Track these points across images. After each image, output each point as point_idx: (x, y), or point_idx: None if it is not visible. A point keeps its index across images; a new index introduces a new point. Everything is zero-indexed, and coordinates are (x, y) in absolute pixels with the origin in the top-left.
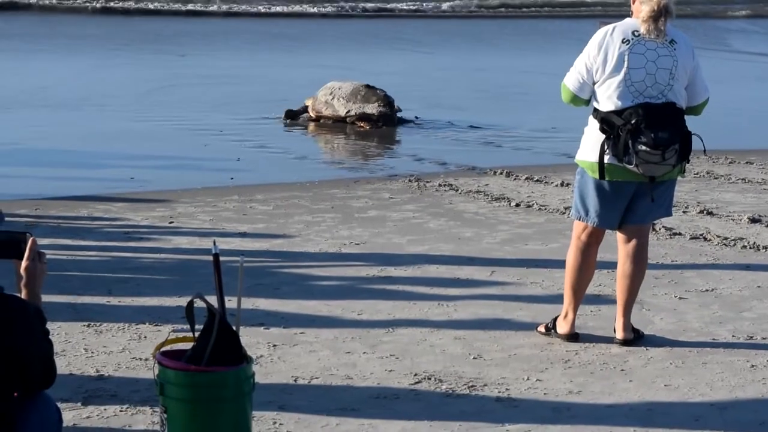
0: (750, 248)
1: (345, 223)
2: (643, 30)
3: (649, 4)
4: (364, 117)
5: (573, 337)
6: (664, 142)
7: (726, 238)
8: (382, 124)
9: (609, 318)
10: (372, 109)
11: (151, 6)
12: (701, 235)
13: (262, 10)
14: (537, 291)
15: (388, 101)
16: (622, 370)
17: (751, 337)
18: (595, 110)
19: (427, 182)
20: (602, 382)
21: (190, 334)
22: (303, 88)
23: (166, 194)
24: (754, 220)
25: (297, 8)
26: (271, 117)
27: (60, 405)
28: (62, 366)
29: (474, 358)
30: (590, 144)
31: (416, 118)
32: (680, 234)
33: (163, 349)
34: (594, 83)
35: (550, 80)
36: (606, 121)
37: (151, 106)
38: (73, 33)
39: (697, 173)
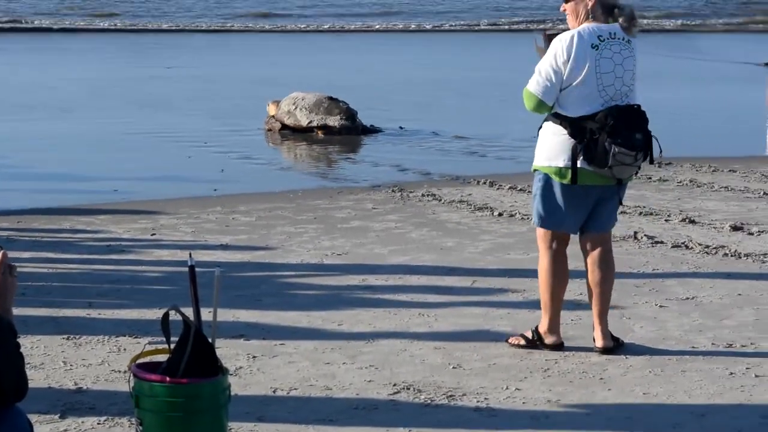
0: (731, 256)
1: (327, 233)
2: (610, 30)
3: (617, 2)
4: (325, 128)
5: (561, 346)
6: (639, 143)
7: (708, 247)
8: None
9: (589, 326)
10: (334, 121)
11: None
12: (683, 243)
13: (303, 27)
14: (518, 300)
15: (350, 113)
16: (601, 378)
17: (731, 344)
18: (560, 116)
19: (411, 192)
20: (581, 390)
21: (166, 346)
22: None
23: (149, 206)
24: (736, 228)
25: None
26: (255, 128)
27: (37, 418)
28: (41, 379)
29: (453, 367)
30: (554, 149)
31: (401, 128)
32: (662, 242)
33: (140, 361)
34: (561, 89)
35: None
36: (577, 125)
37: (134, 117)
38: (58, 46)
39: (680, 181)
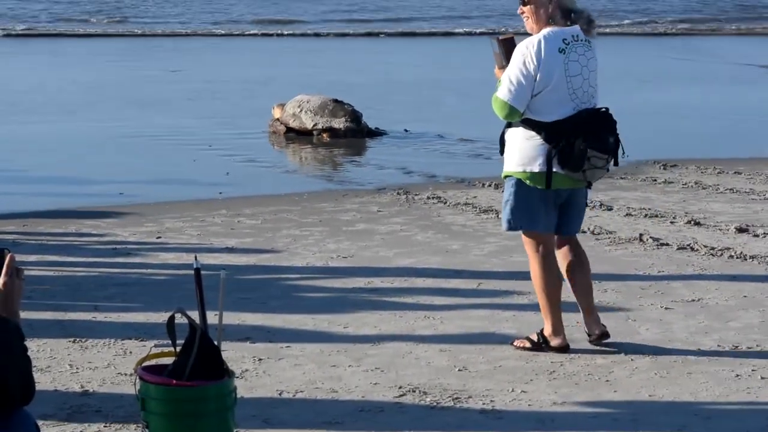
0: (737, 258)
1: (333, 236)
2: (574, 33)
3: (574, 7)
4: (330, 131)
5: (567, 348)
6: (612, 147)
7: (713, 248)
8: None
9: None
10: (339, 123)
11: (158, 29)
12: (689, 245)
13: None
14: (524, 302)
15: (355, 116)
16: (607, 380)
17: (737, 346)
18: (532, 121)
19: (416, 195)
20: (587, 392)
21: (172, 349)
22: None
23: (155, 209)
24: (741, 230)
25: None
26: (259, 131)
27: (44, 421)
28: (47, 382)
29: (459, 370)
30: (527, 155)
31: (406, 131)
32: (667, 244)
33: (146, 364)
34: (533, 95)
35: None
36: (551, 130)
37: (140, 120)
38: (64, 50)
39: (685, 183)
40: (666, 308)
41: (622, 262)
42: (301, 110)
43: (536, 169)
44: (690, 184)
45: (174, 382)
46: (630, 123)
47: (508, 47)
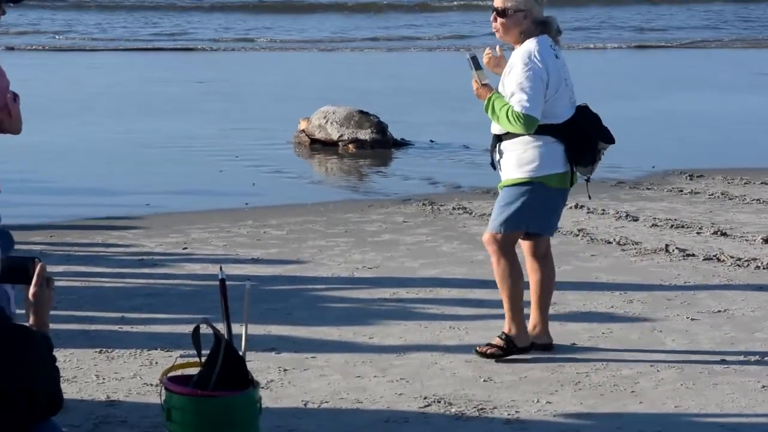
0: (764, 269)
1: (358, 247)
2: (554, 41)
3: (545, 16)
4: (356, 142)
5: (532, 346)
6: (612, 140)
7: (739, 259)
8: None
9: (621, 339)
10: (365, 134)
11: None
12: (715, 255)
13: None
14: (548, 313)
15: (381, 127)
16: (633, 391)
17: (763, 357)
18: (545, 126)
19: (441, 205)
20: (612, 404)
21: (198, 359)
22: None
23: (181, 219)
24: (767, 241)
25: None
26: (285, 142)
27: (69, 431)
28: (73, 392)
29: (484, 380)
30: (547, 158)
31: (431, 141)
32: (693, 255)
33: (171, 374)
34: (546, 101)
35: None
36: (566, 131)
37: (167, 131)
38: (100, 63)
39: (712, 194)
40: (692, 319)
41: (647, 273)
42: (326, 121)
43: (561, 169)
44: (716, 195)
45: (199, 392)
46: (656, 132)
47: (477, 63)
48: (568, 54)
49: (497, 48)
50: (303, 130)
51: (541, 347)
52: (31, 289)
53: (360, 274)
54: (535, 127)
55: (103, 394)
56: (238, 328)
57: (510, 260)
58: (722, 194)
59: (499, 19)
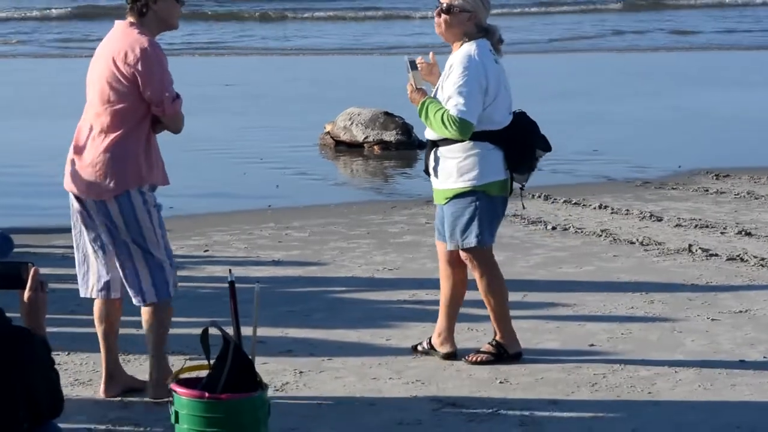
0: None
1: (380, 248)
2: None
3: (487, 25)
4: (381, 143)
5: (521, 354)
6: (549, 147)
7: (763, 259)
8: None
9: (640, 340)
10: (390, 136)
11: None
12: (738, 256)
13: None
14: (568, 314)
15: (406, 129)
16: (650, 392)
17: None
18: (483, 132)
19: None
20: (629, 405)
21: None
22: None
23: (203, 221)
24: None
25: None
26: (311, 144)
27: None
28: (89, 395)
29: (500, 382)
30: (486, 166)
31: None
32: (717, 255)
33: (181, 376)
34: (485, 107)
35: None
36: (504, 137)
37: (191, 133)
38: None
39: (737, 194)
40: (713, 319)
41: (669, 273)
42: (352, 123)
43: (501, 177)
44: (742, 194)
45: (207, 395)
46: (683, 132)
47: (414, 66)
48: (620, 57)
49: (430, 55)
50: (328, 132)
51: (445, 356)
52: (26, 293)
53: (380, 276)
54: (470, 132)
55: (117, 397)
56: (248, 331)
57: (496, 272)
58: (748, 194)
59: (444, 16)
